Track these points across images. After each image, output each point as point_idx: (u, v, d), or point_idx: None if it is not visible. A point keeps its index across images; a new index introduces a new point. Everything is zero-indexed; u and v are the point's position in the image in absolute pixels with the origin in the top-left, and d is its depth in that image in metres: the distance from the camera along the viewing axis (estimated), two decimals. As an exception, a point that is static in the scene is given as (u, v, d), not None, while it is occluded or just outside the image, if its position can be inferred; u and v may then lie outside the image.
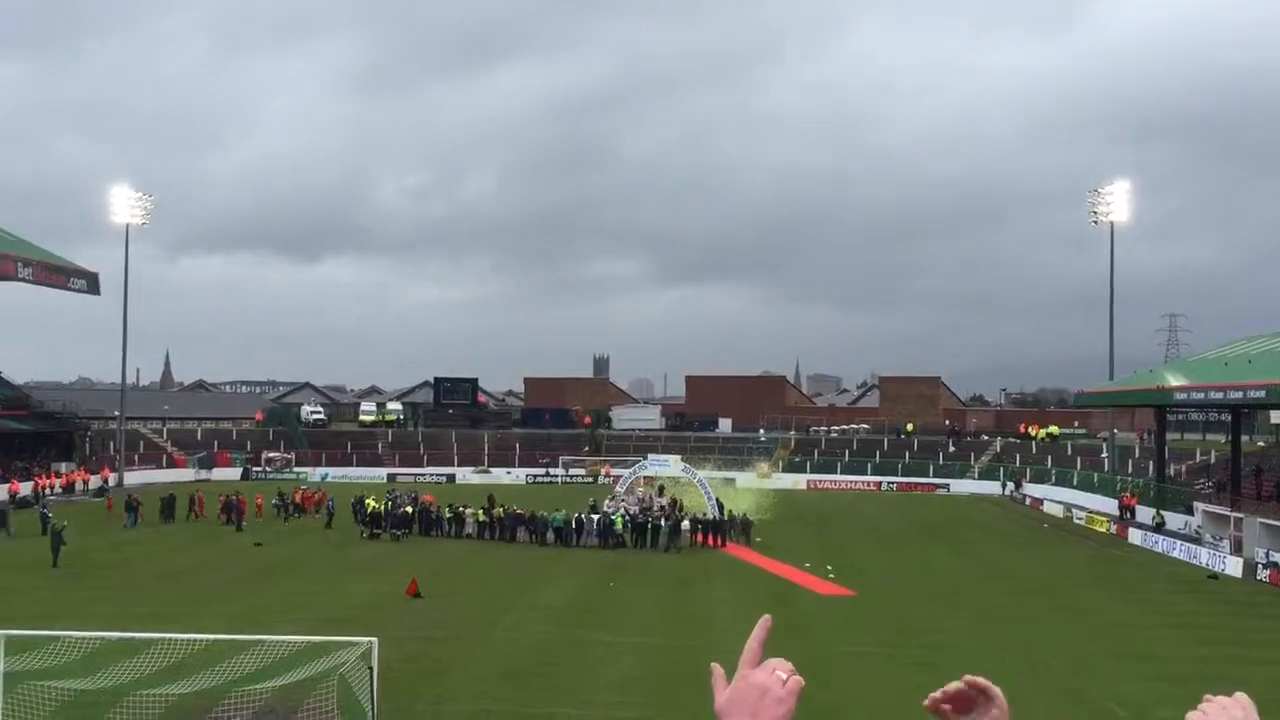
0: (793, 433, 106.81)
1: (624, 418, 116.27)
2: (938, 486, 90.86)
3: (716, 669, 2.23)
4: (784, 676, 2.15)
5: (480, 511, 56.54)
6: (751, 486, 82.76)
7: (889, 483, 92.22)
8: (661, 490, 62.70)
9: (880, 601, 38.93)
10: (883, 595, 40.23)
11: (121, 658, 22.36)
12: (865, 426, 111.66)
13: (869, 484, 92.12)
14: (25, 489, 71.00)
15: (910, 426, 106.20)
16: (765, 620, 2.31)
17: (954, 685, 2.11)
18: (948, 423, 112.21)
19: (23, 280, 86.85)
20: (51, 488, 74.49)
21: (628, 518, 54.91)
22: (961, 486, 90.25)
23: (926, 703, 2.13)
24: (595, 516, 54.75)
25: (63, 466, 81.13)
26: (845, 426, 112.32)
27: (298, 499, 65.04)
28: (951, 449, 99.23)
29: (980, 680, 2.10)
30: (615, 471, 78.82)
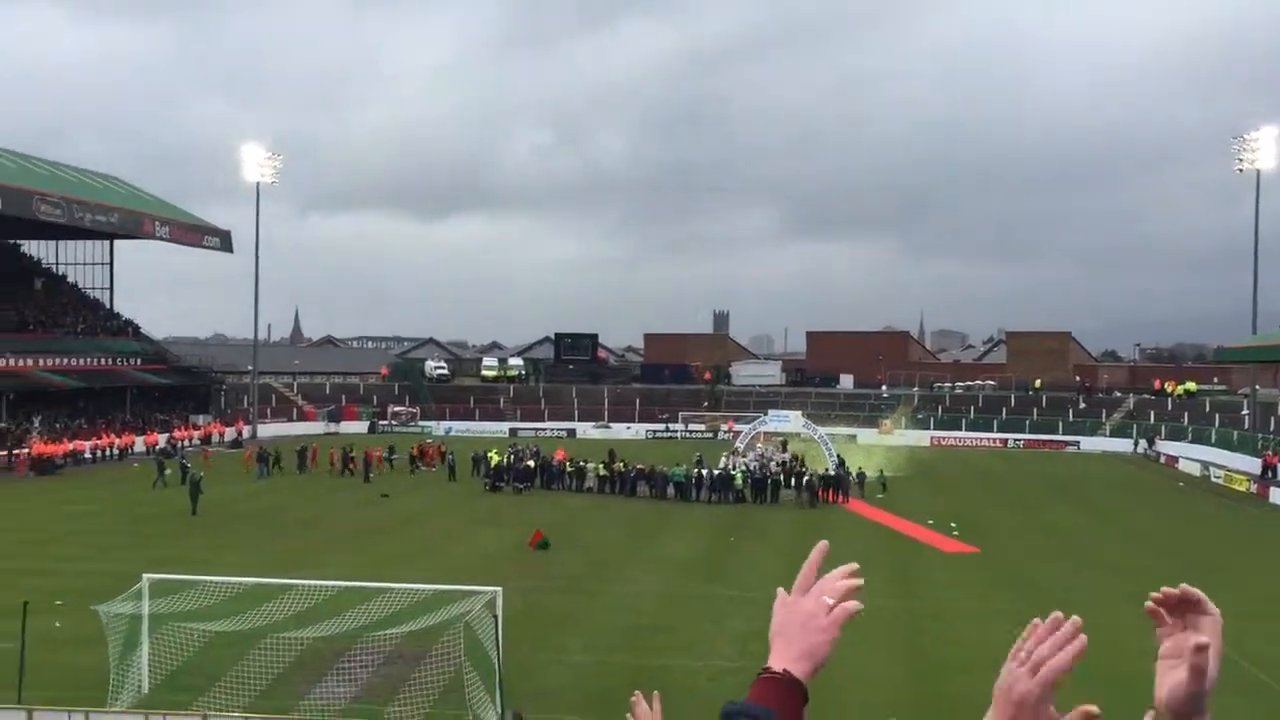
0: (916, 389, 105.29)
1: (744, 373, 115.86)
2: (1067, 444, 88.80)
3: (780, 592, 2.06)
4: (830, 603, 1.97)
5: (601, 466, 56.96)
6: (873, 443, 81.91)
7: (1016, 440, 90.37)
8: (785, 446, 62.39)
9: (1005, 559, 38.24)
10: (1008, 553, 39.50)
11: (257, 602, 23.04)
12: (991, 383, 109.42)
13: (995, 441, 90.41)
14: (163, 440, 73.59)
15: (1038, 382, 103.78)
16: (821, 545, 2.13)
17: (1172, 590, 1.92)
18: (1078, 379, 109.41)
19: (161, 239, 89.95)
20: (189, 439, 77.13)
21: (748, 473, 54.80)
22: (1092, 444, 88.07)
23: (1148, 605, 1.94)
24: (715, 471, 54.77)
25: (200, 419, 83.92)
26: (970, 383, 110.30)
27: (415, 452, 66.23)
28: (1082, 405, 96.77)
29: (1195, 591, 1.90)
30: (736, 427, 78.62)
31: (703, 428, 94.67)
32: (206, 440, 78.25)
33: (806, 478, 54.55)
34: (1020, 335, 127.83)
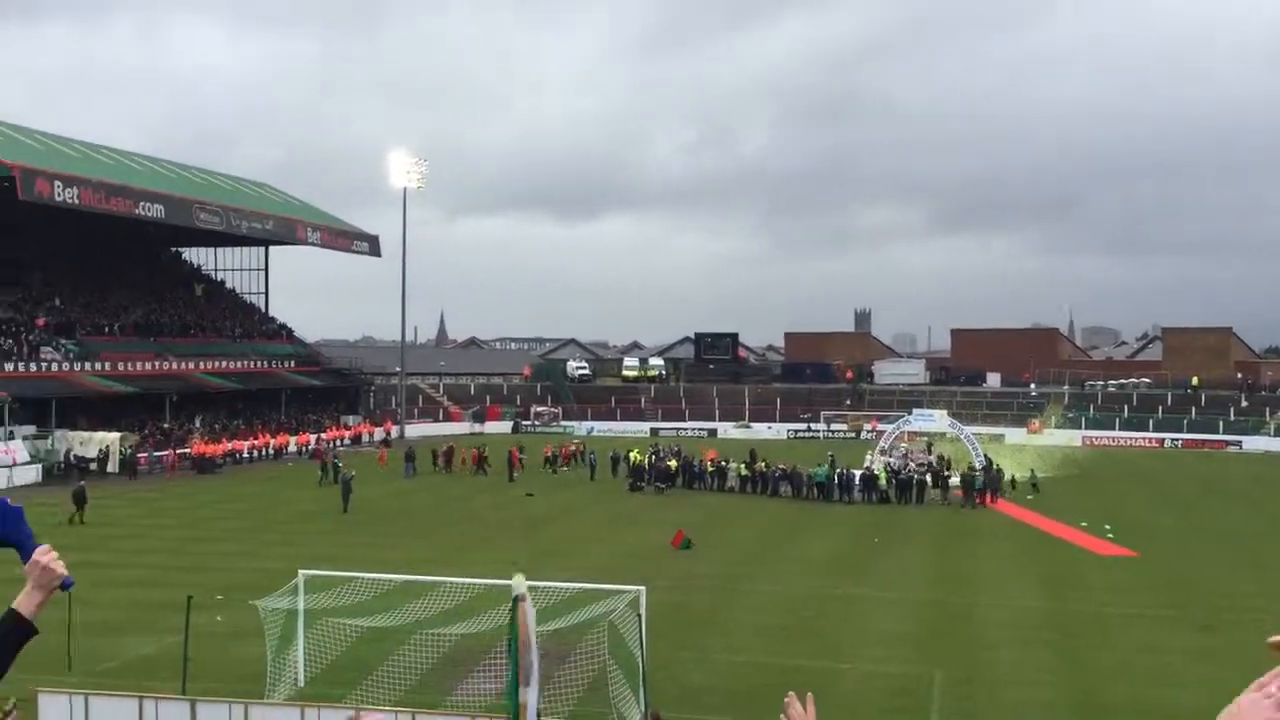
0: (1066, 387, 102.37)
1: (886, 372, 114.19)
2: (1228, 444, 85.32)
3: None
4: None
5: (742, 466, 56.74)
6: (1023, 442, 79.89)
7: (1173, 439, 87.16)
8: (929, 446, 61.32)
9: (1164, 563, 36.86)
10: (1168, 557, 38.07)
11: (406, 599, 23.50)
12: (1146, 380, 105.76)
13: (1151, 441, 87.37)
14: (315, 440, 75.73)
15: (1197, 380, 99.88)
16: None
17: None
18: (1240, 375, 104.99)
19: (312, 244, 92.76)
20: (340, 439, 79.30)
21: (892, 473, 53.99)
22: (1256, 444, 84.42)
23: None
24: (857, 472, 54.10)
25: (350, 419, 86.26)
26: (1124, 380, 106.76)
27: (548, 453, 66.32)
28: (1244, 404, 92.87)
29: None
30: (880, 426, 77.52)
31: (845, 427, 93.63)
32: (357, 440, 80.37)
33: (952, 478, 53.51)
34: (1177, 331, 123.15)
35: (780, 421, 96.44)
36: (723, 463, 57.76)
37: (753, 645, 25.69)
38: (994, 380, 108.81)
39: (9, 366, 63.17)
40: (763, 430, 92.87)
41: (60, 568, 3.71)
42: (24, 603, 3.62)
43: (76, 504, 43.13)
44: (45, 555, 3.69)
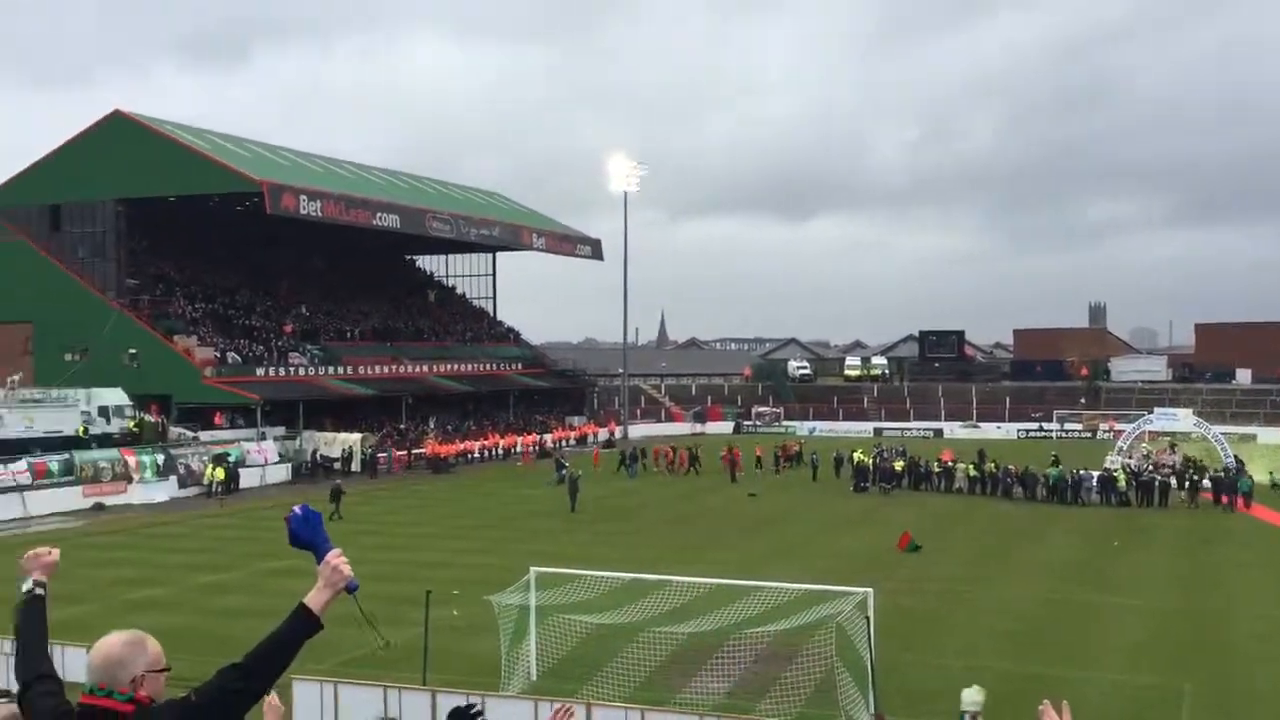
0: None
1: (1124, 369, 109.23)
2: None
3: None
4: None
5: (971, 466, 55.25)
6: (1277, 442, 75.08)
7: None
8: (1173, 447, 58.37)
9: None
10: None
11: (634, 597, 23.81)
12: None
13: None
14: (548, 440, 77.64)
15: None
16: None
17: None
18: None
19: (537, 249, 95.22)
20: (566, 440, 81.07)
21: (1132, 474, 51.59)
22: None
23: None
24: (1094, 473, 51.92)
25: (575, 420, 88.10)
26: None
27: (759, 453, 65.57)
28: None
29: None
30: (1118, 426, 74.20)
31: (1080, 427, 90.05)
32: (582, 440, 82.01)
33: (1199, 479, 50.74)
34: None
35: (1010, 421, 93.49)
36: (950, 463, 56.39)
37: (986, 651, 24.96)
38: (1244, 377, 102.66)
39: (260, 371, 67.18)
40: (991, 430, 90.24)
41: (348, 570, 3.99)
42: (314, 599, 3.91)
43: (333, 500, 45.45)
44: (337, 558, 4.00)
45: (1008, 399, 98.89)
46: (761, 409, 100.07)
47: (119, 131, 68.53)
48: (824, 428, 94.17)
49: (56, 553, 4.56)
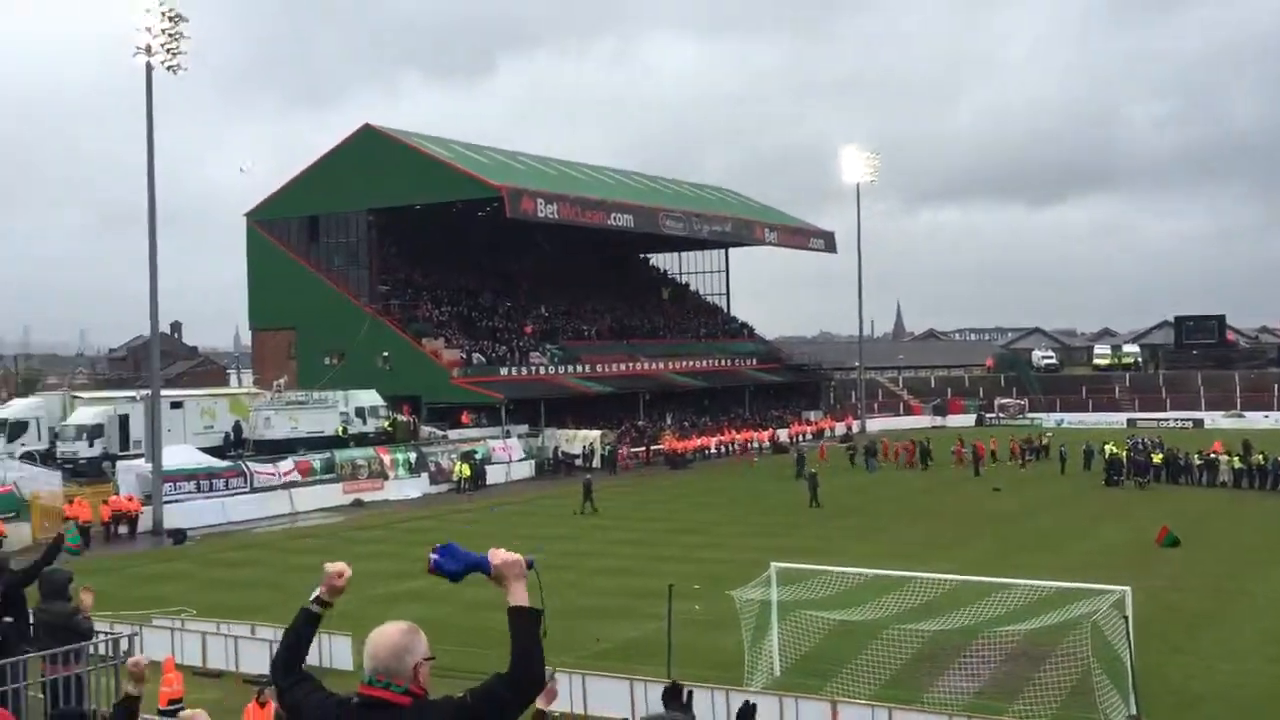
0: None
1: None
2: None
3: None
4: None
5: (1236, 459, 52.05)
6: None
7: None
8: None
9: None
10: None
11: (877, 593, 23.43)
12: None
13: None
14: (781, 435, 77.36)
15: None
16: None
17: None
18: None
19: (769, 244, 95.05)
20: (803, 434, 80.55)
21: None
22: None
23: None
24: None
25: (811, 414, 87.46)
26: None
27: (994, 446, 63.05)
28: None
29: None
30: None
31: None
32: (819, 435, 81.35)
33: None
34: None
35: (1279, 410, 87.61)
36: (1216, 455, 53.27)
37: (1256, 653, 23.46)
38: None
39: (504, 371, 69.41)
40: (1258, 419, 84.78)
41: (515, 555, 4.10)
42: (518, 596, 4.02)
43: (586, 496, 46.76)
44: (499, 555, 4.11)
45: (1276, 386, 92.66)
46: (1005, 401, 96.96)
47: (369, 144, 72.17)
48: (1072, 419, 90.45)
49: (348, 574, 4.78)
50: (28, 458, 48.48)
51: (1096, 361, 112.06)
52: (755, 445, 73.90)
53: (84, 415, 51.11)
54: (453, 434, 62.66)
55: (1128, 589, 19.96)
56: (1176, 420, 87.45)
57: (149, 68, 44.87)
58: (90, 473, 48.25)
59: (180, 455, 48.18)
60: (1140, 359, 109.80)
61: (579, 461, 63.40)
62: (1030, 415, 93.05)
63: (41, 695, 10.12)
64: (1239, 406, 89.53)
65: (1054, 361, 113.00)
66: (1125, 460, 53.99)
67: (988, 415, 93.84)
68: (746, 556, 31.63)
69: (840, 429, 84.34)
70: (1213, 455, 53.18)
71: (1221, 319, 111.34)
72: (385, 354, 68.25)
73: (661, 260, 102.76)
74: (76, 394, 59.75)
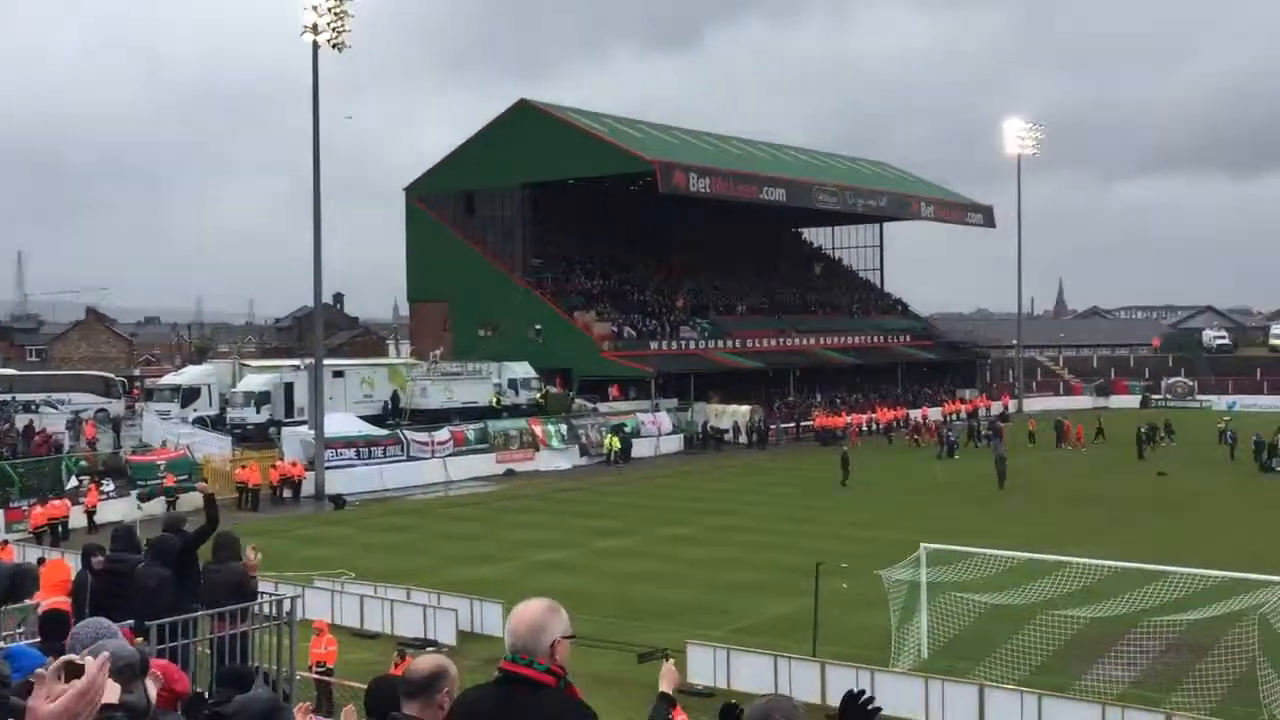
0: None
1: None
2: None
3: None
4: None
5: None
6: None
7: None
8: None
9: None
10: None
11: (1029, 578, 22.92)
12: None
13: None
14: (934, 414, 75.87)
15: None
16: None
17: None
18: None
19: (925, 218, 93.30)
20: (958, 413, 78.92)
21: None
22: None
23: None
24: None
25: (966, 393, 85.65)
26: None
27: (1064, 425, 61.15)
28: None
29: None
30: None
31: None
32: (973, 414, 79.58)
33: None
34: None
35: None
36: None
37: None
38: None
39: (654, 345, 69.73)
40: None
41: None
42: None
43: (843, 468, 47.46)
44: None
45: None
46: (1172, 381, 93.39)
47: (524, 119, 73.14)
48: (1246, 401, 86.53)
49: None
50: (200, 423, 50.77)
51: (1273, 342, 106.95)
52: (913, 424, 71.93)
53: (252, 383, 53.25)
54: (602, 407, 63.27)
55: (1301, 581, 19.12)
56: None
57: (315, 46, 46.22)
58: (257, 438, 50.29)
59: (341, 423, 49.73)
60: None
61: (727, 436, 63.41)
62: (1200, 398, 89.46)
63: (209, 651, 10.58)
64: None
65: (1226, 341, 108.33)
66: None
67: (1154, 397, 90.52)
68: (896, 536, 31.14)
69: (996, 408, 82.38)
70: None
71: None
72: (537, 326, 69.23)
73: (815, 234, 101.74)
74: (245, 362, 62.26)
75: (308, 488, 45.27)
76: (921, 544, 22.54)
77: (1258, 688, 18.56)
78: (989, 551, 23.62)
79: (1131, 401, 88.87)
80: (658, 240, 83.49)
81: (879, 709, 3.85)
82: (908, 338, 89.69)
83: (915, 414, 72.59)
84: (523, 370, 61.50)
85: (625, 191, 79.23)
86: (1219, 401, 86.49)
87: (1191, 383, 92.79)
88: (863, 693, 3.84)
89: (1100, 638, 21.73)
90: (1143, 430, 57.96)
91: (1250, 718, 17.90)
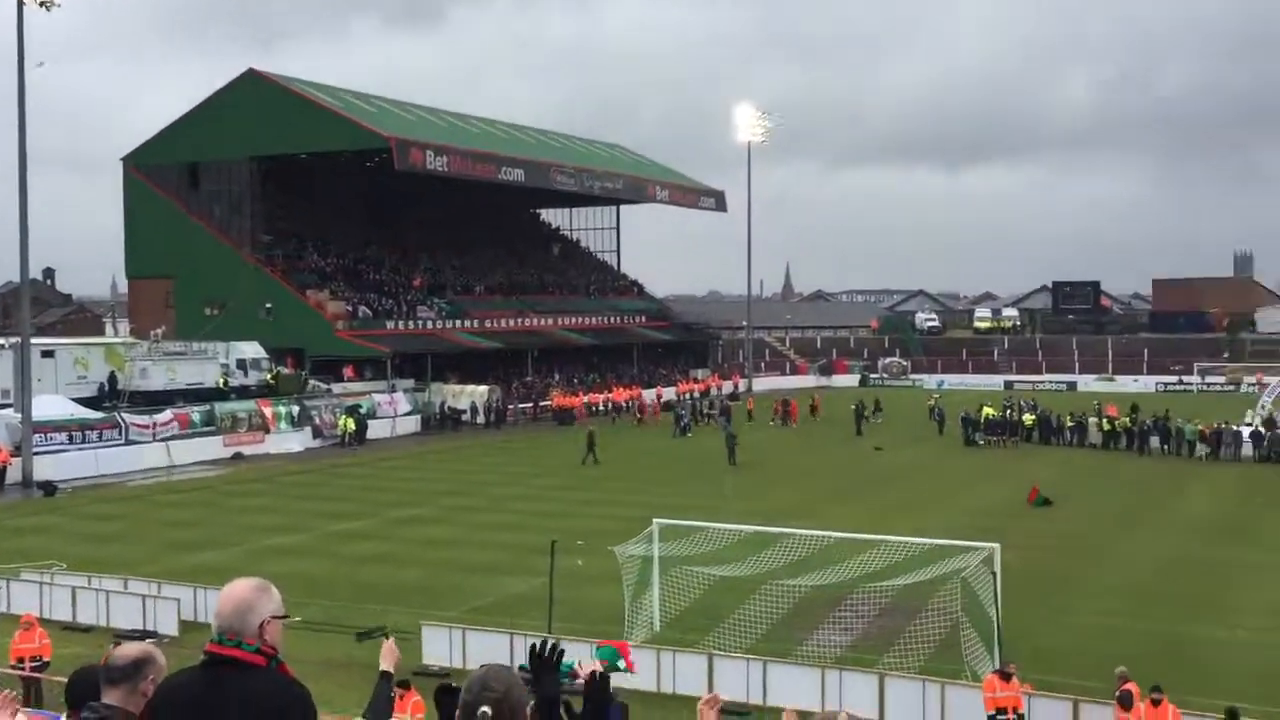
0: None
1: (1272, 320, 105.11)
2: None
3: None
4: None
5: (1105, 420, 53.81)
6: None
7: None
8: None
9: None
10: None
11: (756, 549, 23.78)
12: None
13: None
14: (669, 394, 77.62)
15: None
16: None
17: None
18: None
19: (660, 202, 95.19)
20: (691, 393, 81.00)
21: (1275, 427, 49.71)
22: None
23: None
24: (1240, 428, 50.10)
25: (698, 373, 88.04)
26: None
27: (777, 408, 65.04)
28: None
29: None
30: (1265, 379, 71.47)
31: (1222, 380, 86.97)
32: (705, 394, 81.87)
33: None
34: None
35: (1149, 374, 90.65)
36: (1081, 416, 54.99)
37: (1114, 609, 24.39)
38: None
39: (390, 325, 68.53)
40: (1128, 383, 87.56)
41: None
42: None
43: (589, 448, 47.40)
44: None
45: (1145, 351, 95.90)
46: (888, 361, 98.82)
47: (253, 90, 70.23)
48: (954, 380, 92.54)
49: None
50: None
51: (977, 325, 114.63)
52: (643, 402, 73.56)
53: (-52, 363, 49.22)
54: (336, 388, 61.78)
55: (997, 546, 20.56)
56: (1051, 383, 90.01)
57: (20, 5, 43.07)
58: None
59: (51, 405, 46.75)
60: (1019, 323, 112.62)
61: (465, 416, 63.10)
62: (913, 376, 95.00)
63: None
64: (1110, 370, 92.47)
65: (937, 324, 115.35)
66: (1002, 421, 55.48)
67: (872, 376, 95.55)
68: (629, 513, 31.69)
69: (727, 388, 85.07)
70: (1114, 418, 54.18)
71: (1096, 285, 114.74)
72: (268, 305, 66.87)
73: (553, 216, 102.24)
74: (-59, 341, 57.52)
75: (14, 474, 42.38)
76: (654, 520, 23.04)
77: (960, 647, 19.89)
78: (718, 525, 24.41)
79: (852, 380, 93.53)
80: (394, 219, 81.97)
81: (563, 651, 3.97)
82: (643, 319, 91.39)
83: (650, 394, 74.07)
84: (252, 350, 59.25)
85: (361, 168, 77.41)
86: (929, 380, 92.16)
87: (905, 363, 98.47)
88: (544, 642, 3.95)
89: (821, 605, 22.81)
90: (855, 407, 61.14)
91: (954, 674, 19.12)
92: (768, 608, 22.09)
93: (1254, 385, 76.92)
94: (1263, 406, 54.49)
